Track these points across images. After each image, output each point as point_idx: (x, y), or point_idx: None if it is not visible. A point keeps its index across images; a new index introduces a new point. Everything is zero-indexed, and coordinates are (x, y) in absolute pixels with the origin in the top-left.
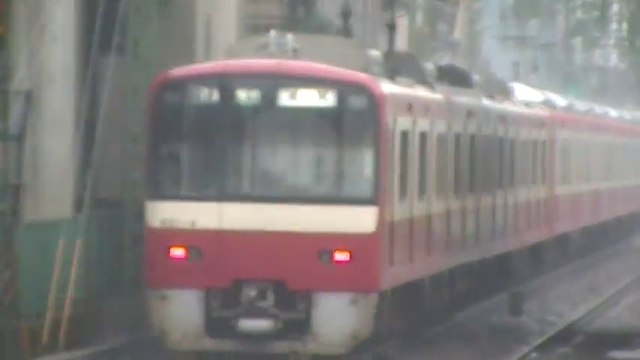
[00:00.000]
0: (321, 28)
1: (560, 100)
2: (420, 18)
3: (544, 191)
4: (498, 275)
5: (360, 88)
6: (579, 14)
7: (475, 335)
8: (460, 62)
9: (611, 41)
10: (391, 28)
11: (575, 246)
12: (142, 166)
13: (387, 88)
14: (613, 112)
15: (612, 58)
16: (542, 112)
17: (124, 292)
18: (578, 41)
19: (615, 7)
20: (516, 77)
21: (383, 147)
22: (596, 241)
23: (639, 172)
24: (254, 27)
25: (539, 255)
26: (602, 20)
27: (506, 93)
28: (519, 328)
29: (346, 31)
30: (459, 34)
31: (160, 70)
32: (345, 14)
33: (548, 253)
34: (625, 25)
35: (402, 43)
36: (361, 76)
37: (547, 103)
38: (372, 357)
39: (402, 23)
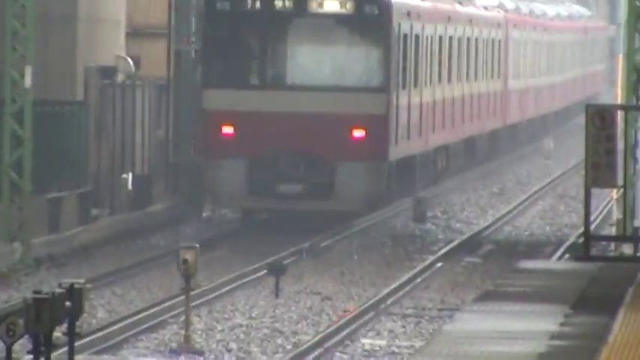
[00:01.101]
0: None
1: (508, 3)
2: None
3: (500, 85)
4: (467, 155)
5: None
6: None
7: (378, 243)
8: None
9: None
10: None
11: (524, 134)
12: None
13: None
14: (550, 11)
15: None
16: (498, 15)
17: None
18: None
19: None
20: None
21: (392, 46)
22: (538, 130)
23: (575, 66)
24: None
25: (495, 141)
26: None
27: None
28: (424, 235)
29: None
30: None
31: None
32: None
33: (500, 140)
34: None
35: None
36: None
37: (500, 7)
38: (267, 267)
39: None
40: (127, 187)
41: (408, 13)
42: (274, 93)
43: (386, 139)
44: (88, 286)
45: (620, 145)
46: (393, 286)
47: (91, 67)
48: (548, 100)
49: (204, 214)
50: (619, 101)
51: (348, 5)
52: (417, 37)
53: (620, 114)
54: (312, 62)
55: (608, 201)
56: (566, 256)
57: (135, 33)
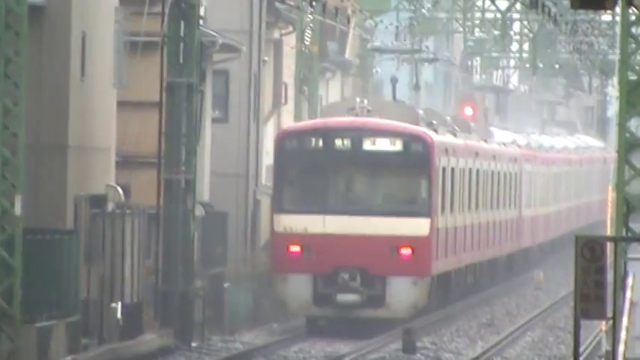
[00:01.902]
0: (204, 46)
1: (520, 139)
2: (308, 36)
3: (515, 212)
4: (489, 274)
5: (418, 138)
6: (478, 33)
7: None
8: (351, 83)
9: (512, 62)
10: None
11: (542, 255)
12: None
13: (434, 137)
14: (558, 144)
15: (513, 80)
16: (513, 150)
17: None
18: (476, 61)
19: (516, 27)
20: (412, 99)
21: (433, 178)
22: (547, 254)
23: (581, 195)
24: (133, 45)
25: (511, 262)
26: (503, 40)
27: (489, 135)
28: None
29: (233, 48)
30: (350, 53)
31: (31, 91)
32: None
33: (516, 262)
34: (526, 46)
35: (289, 62)
36: (419, 130)
37: (514, 143)
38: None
39: (289, 41)
40: (117, 316)
41: (446, 150)
42: (335, 217)
43: (429, 257)
44: None
45: (610, 277)
46: None
47: (80, 196)
48: (554, 226)
49: (194, 344)
50: (608, 232)
51: (397, 143)
52: (452, 169)
53: (609, 245)
54: (366, 192)
55: (597, 332)
56: None
57: (125, 162)
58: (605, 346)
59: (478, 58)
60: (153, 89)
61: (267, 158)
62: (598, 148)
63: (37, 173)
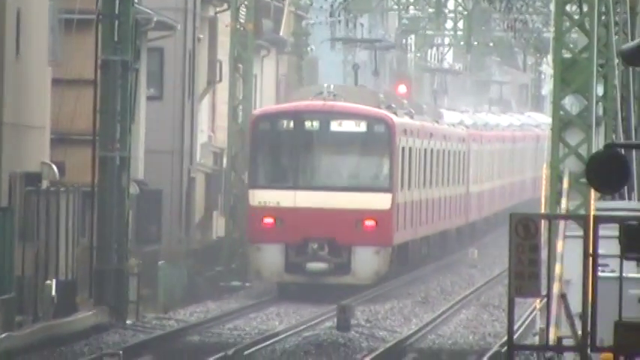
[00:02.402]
0: (139, 23)
1: (467, 119)
2: (243, 14)
3: (464, 189)
4: (441, 245)
5: (381, 120)
6: (413, 11)
7: (301, 351)
8: (286, 61)
9: (447, 40)
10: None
11: (487, 227)
12: None
13: (395, 119)
14: (502, 122)
15: (447, 58)
16: (461, 131)
17: None
18: (411, 39)
19: (451, 5)
20: (348, 78)
21: (394, 157)
22: (492, 225)
23: (524, 170)
24: (68, 22)
25: (460, 235)
26: (437, 18)
27: (439, 116)
28: (347, 343)
29: (167, 26)
30: (285, 31)
31: None
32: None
33: (464, 235)
34: (461, 24)
35: (224, 40)
36: (381, 112)
37: (462, 123)
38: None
39: (224, 19)
40: (51, 294)
41: (405, 131)
42: (305, 192)
43: (390, 229)
44: None
45: (544, 255)
46: None
47: (15, 173)
48: (499, 201)
49: (128, 322)
50: (543, 210)
51: (362, 124)
52: (410, 149)
53: (544, 223)
54: (333, 169)
55: (531, 310)
56: None
57: (60, 139)
58: (539, 324)
59: (413, 36)
60: (88, 67)
61: (202, 136)
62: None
63: None
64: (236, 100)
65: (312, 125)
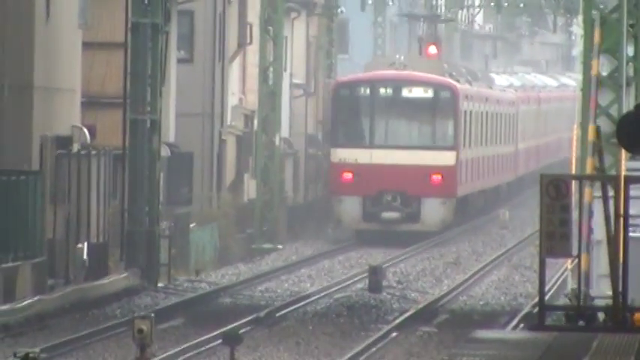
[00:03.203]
0: None
1: (516, 81)
2: None
3: (513, 147)
4: (494, 198)
5: (446, 87)
6: None
7: (333, 313)
8: (317, 23)
9: (477, 1)
10: None
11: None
12: None
13: (458, 86)
14: (551, 82)
15: (477, 19)
16: (511, 95)
17: None
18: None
19: None
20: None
21: (458, 119)
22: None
23: (561, 129)
24: None
25: (509, 188)
26: None
27: (491, 82)
28: (379, 305)
29: None
30: None
31: None
32: None
33: (514, 188)
34: None
35: (254, 2)
36: (446, 80)
37: (511, 87)
38: (222, 337)
39: None
40: (83, 257)
41: (466, 97)
42: (380, 151)
43: (455, 182)
44: (43, 355)
45: (575, 215)
46: (348, 355)
47: (46, 137)
48: (543, 157)
49: (160, 284)
50: (574, 171)
51: (429, 91)
52: (470, 112)
53: (574, 183)
54: (405, 130)
55: (562, 271)
56: (521, 325)
57: (90, 102)
58: (571, 284)
59: None
60: (118, 30)
61: (233, 98)
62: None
63: (2, 114)
64: (266, 63)
65: (386, 92)
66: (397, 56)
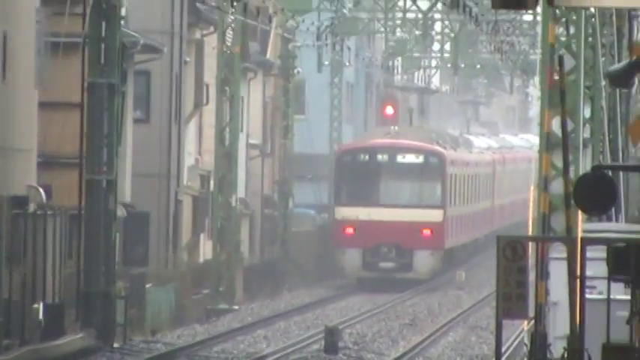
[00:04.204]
0: (126, 46)
1: (492, 142)
2: (230, 37)
3: (490, 203)
4: (474, 249)
5: (435, 154)
6: (399, 33)
7: None
8: (273, 83)
9: (434, 62)
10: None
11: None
12: None
13: (445, 153)
14: (522, 142)
15: (434, 80)
16: (489, 157)
17: None
18: (398, 61)
19: (438, 27)
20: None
21: (446, 181)
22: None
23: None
24: (54, 45)
25: (486, 241)
26: (424, 40)
27: (471, 145)
28: None
29: (154, 49)
30: (271, 54)
31: None
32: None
33: (490, 241)
34: (448, 46)
35: (211, 62)
36: (435, 148)
37: (489, 148)
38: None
39: (211, 42)
40: (39, 317)
41: (452, 162)
42: (378, 209)
43: (443, 236)
44: None
45: (531, 277)
46: None
47: (2, 197)
48: (518, 211)
49: (116, 345)
50: (530, 232)
51: (420, 157)
52: (455, 175)
53: (531, 245)
54: (400, 191)
55: (519, 332)
56: None
57: (47, 162)
58: (527, 346)
59: (400, 58)
60: (74, 90)
61: (189, 158)
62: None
63: None
64: (223, 123)
65: (382, 158)
66: (392, 127)
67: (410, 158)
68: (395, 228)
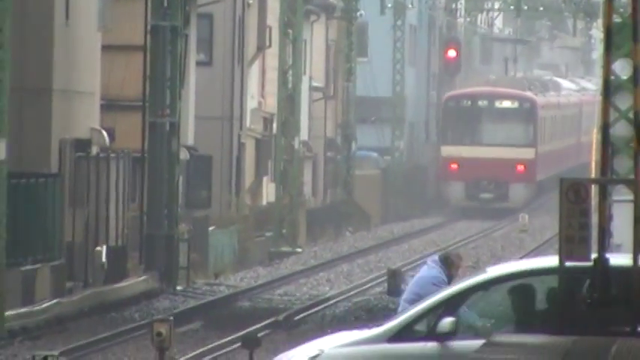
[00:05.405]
0: None
1: (583, 82)
2: None
3: (575, 139)
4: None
5: (529, 99)
6: None
7: (352, 317)
8: (336, 26)
9: (496, 5)
10: None
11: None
12: None
13: (537, 99)
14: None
15: (497, 22)
16: (576, 99)
17: None
18: (461, 4)
19: None
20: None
21: (537, 123)
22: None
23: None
24: None
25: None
26: None
27: (559, 88)
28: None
29: None
30: None
31: (16, 35)
32: None
33: (578, 173)
34: None
35: (274, 5)
36: (528, 94)
37: (577, 90)
38: (241, 340)
39: None
40: (101, 260)
41: (542, 106)
42: (479, 147)
43: (534, 171)
44: (62, 358)
45: (594, 219)
46: None
47: (65, 140)
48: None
49: (178, 288)
50: (593, 174)
51: (516, 103)
52: (545, 117)
53: (594, 187)
54: (498, 131)
55: None
56: None
57: (109, 105)
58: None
59: (462, 1)
60: (137, 33)
61: (252, 101)
62: None
63: (22, 117)
64: (286, 66)
65: (482, 103)
66: (490, 76)
67: (506, 104)
68: (493, 164)
